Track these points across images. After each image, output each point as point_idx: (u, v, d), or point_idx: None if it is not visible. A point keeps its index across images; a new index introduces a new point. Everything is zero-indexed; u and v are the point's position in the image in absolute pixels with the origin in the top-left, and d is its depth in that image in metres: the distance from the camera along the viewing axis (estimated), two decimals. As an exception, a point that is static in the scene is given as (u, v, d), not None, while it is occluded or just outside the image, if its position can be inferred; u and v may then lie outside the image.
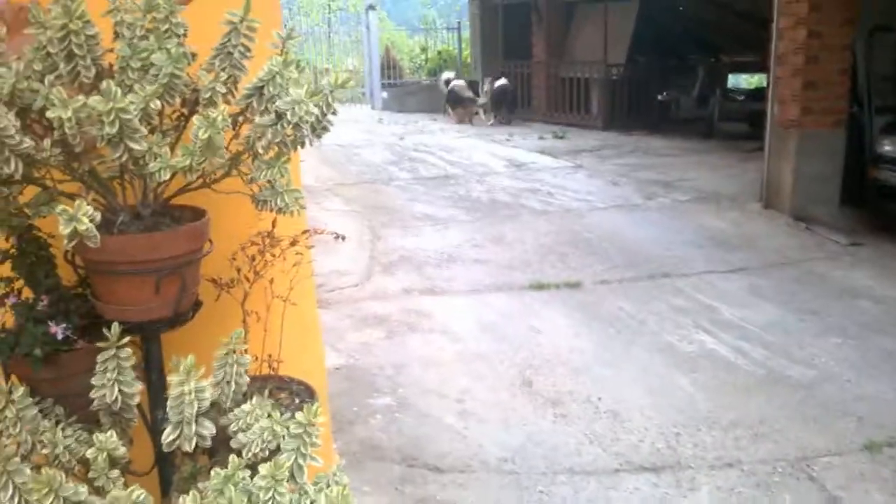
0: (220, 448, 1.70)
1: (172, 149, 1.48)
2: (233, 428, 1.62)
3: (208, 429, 1.56)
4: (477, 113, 14.39)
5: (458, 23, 18.80)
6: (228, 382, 1.64)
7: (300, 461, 1.52)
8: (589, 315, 4.70)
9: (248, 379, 1.70)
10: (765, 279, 5.37)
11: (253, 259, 1.88)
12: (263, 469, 1.44)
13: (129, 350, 1.51)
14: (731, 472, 3.03)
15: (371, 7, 17.01)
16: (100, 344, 1.49)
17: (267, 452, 1.61)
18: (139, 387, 1.55)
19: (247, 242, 1.90)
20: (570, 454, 3.16)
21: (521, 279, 5.34)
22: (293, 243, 1.92)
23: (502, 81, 14.13)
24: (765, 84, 8.98)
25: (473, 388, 3.75)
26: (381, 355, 4.14)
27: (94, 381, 1.50)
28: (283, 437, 1.58)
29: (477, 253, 5.95)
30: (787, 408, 3.55)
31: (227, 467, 1.46)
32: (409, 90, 17.62)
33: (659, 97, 14.23)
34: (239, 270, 1.90)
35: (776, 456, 3.14)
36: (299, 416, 1.57)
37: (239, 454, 1.59)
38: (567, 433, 3.33)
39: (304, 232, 1.96)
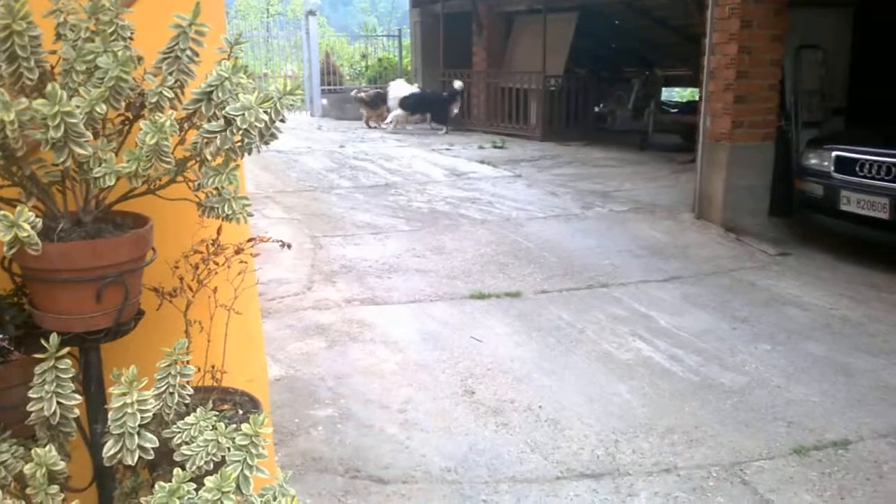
0: (162, 461, 1.67)
1: (117, 154, 1.45)
2: (176, 441, 1.59)
3: (151, 442, 1.52)
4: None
5: (399, 30, 18.84)
6: (171, 394, 1.61)
7: (246, 473, 1.50)
8: (529, 324, 4.75)
9: (191, 390, 1.67)
10: (698, 288, 5.52)
11: (196, 267, 1.85)
12: (209, 482, 1.42)
13: (68, 361, 1.46)
14: (668, 477, 3.10)
15: (311, 12, 16.88)
16: (37, 355, 1.44)
17: (212, 465, 1.58)
18: (78, 399, 1.50)
19: (190, 251, 1.87)
20: (513, 463, 3.18)
21: (462, 289, 5.36)
22: (238, 251, 1.90)
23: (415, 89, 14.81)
24: (697, 97, 9.27)
25: (416, 398, 3.74)
26: (323, 365, 4.10)
27: (31, 393, 1.45)
28: (229, 448, 1.56)
29: (418, 263, 5.95)
30: (720, 413, 3.65)
31: (170, 481, 1.43)
32: (349, 97, 17.53)
33: (596, 109, 14.52)
34: (182, 279, 1.86)
35: (711, 461, 3.22)
36: (245, 427, 1.55)
37: (183, 467, 1.55)
38: (509, 442, 3.35)
39: (250, 240, 1.94)
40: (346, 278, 5.54)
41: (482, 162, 10.65)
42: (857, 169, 6.14)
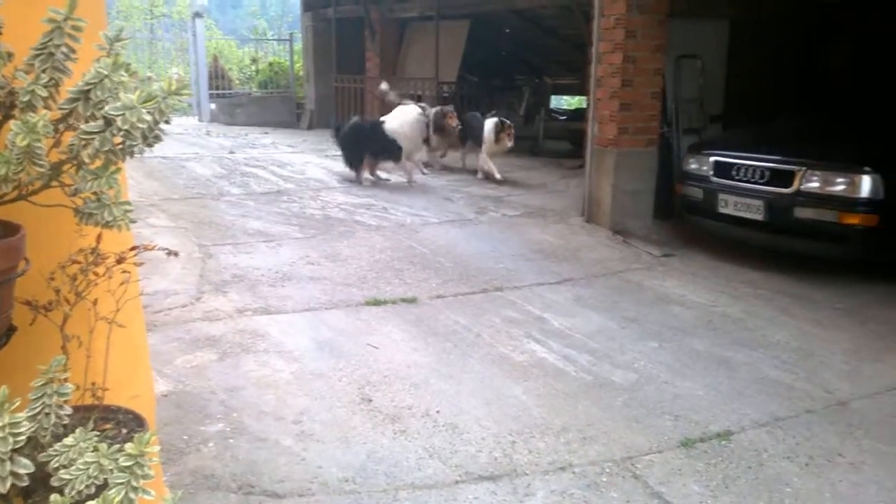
0: (38, 488, 1.55)
1: (-18, 157, 1.34)
2: (53, 464, 1.48)
3: (25, 467, 1.41)
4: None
5: (291, 34, 18.52)
6: (47, 415, 1.50)
7: (131, 495, 1.42)
8: (425, 330, 4.75)
9: (69, 410, 1.56)
10: (589, 289, 5.68)
11: (74, 279, 1.74)
12: (91, 507, 1.33)
13: (-70, 382, 1.34)
14: (563, 475, 3.16)
15: (198, 14, 16.36)
16: None
17: (93, 489, 1.48)
18: (-58, 424, 1.38)
19: (67, 261, 1.76)
20: (411, 469, 3.16)
21: (358, 296, 5.31)
22: (120, 261, 1.80)
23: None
24: (585, 105, 9.57)
25: (312, 408, 3.67)
26: (214, 379, 3.95)
27: None
28: (112, 470, 1.47)
29: (312, 270, 5.85)
30: (611, 410, 3.76)
31: (47, 508, 1.34)
32: (238, 102, 17.10)
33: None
34: (58, 291, 1.75)
35: (604, 457, 3.31)
36: (129, 446, 1.47)
37: (61, 492, 1.45)
38: (407, 448, 3.33)
39: (132, 248, 1.84)
40: (238, 288, 5.38)
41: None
42: (734, 173, 6.49)
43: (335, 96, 15.34)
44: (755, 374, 4.25)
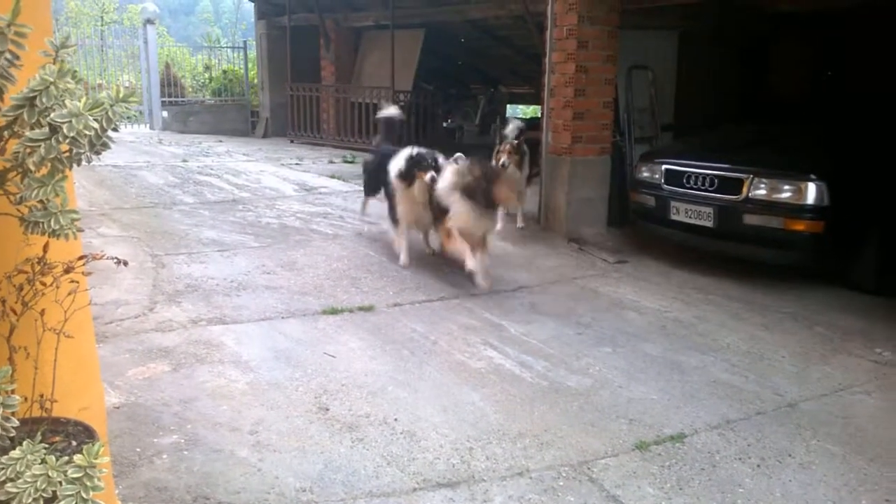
0: (-16, 502, 1.52)
1: (-78, 165, 1.31)
2: (0, 478, 1.45)
3: (-32, 481, 1.38)
4: None
5: (245, 42, 18.36)
6: (-8, 427, 1.47)
7: (81, 508, 1.40)
8: (383, 338, 4.74)
9: (16, 422, 1.53)
10: (544, 296, 5.73)
11: (21, 288, 1.70)
12: (38, 521, 1.31)
13: None
14: (521, 480, 3.18)
15: (149, 21, 16.12)
16: None
17: (41, 502, 1.46)
18: None
19: (13, 271, 1.72)
20: (369, 478, 3.15)
21: (315, 305, 5.27)
22: (68, 270, 1.77)
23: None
24: (539, 115, 9.67)
25: (267, 419, 3.63)
26: (167, 390, 3.89)
27: None
28: (61, 483, 1.44)
29: (268, 280, 5.80)
30: (567, 415, 3.80)
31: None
32: (192, 110, 16.89)
33: (444, 124, 14.83)
34: (4, 302, 1.71)
35: (560, 461, 3.34)
36: (78, 458, 1.45)
37: (6, 507, 1.42)
38: (365, 457, 3.32)
39: (81, 258, 1.81)
40: (192, 298, 5.30)
41: (333, 177, 10.56)
42: (685, 181, 6.62)
43: (290, 104, 15.24)
44: (707, 377, 4.34)
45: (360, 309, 5.21)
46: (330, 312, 5.11)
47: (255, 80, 17.20)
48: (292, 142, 15.02)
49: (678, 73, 8.82)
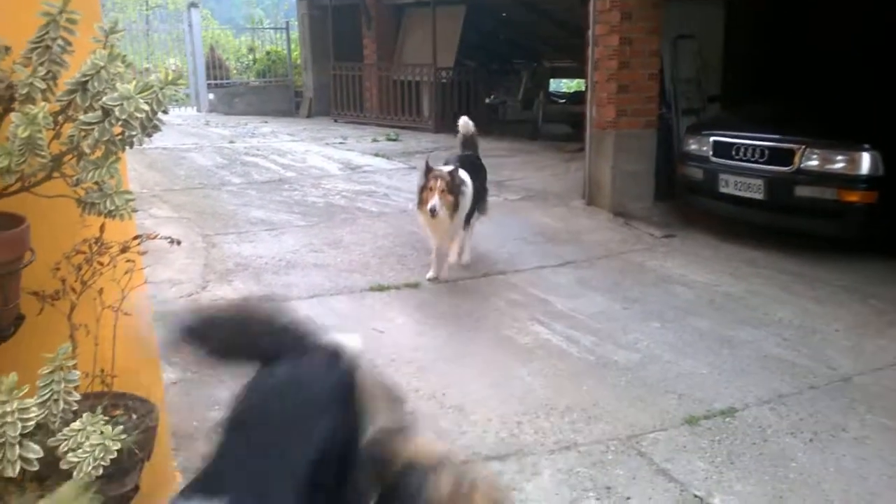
0: (51, 473, 1.58)
1: (-15, 150, 1.36)
2: (62, 448, 1.51)
3: (34, 452, 1.44)
4: None
5: (287, 23, 18.45)
6: (56, 401, 1.53)
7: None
8: (430, 314, 4.78)
9: (78, 396, 1.59)
10: (591, 271, 5.70)
11: (80, 268, 1.76)
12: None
13: (-58, 372, 1.37)
14: (569, 453, 3.19)
15: (193, 4, 16.32)
16: None
17: (100, 470, 1.51)
18: (-43, 412, 1.40)
19: (72, 251, 1.78)
20: (418, 451, 3.19)
21: (362, 282, 5.33)
22: (124, 250, 1.82)
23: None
24: (583, 88, 9.54)
25: (318, 393, 3.69)
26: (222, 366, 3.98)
27: None
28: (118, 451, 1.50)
29: (315, 258, 5.88)
30: (615, 390, 3.79)
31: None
32: (237, 91, 17.09)
33: (487, 100, 14.72)
34: (64, 281, 1.77)
35: (609, 436, 3.34)
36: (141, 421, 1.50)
37: (70, 476, 1.48)
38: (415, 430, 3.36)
39: (136, 237, 1.86)
40: (242, 276, 5.40)
41: (377, 155, 10.60)
42: (734, 153, 6.48)
43: (333, 84, 15.30)
44: (758, 351, 4.27)
45: (407, 285, 5.25)
46: (377, 289, 5.16)
47: (298, 61, 17.29)
48: (336, 121, 15.10)
49: (725, 41, 8.59)
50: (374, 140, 12.15)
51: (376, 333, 4.43)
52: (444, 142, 12.11)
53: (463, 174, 5.32)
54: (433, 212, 4.96)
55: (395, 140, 12.22)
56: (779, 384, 3.85)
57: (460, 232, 5.47)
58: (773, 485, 2.94)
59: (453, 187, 5.05)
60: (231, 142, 11.60)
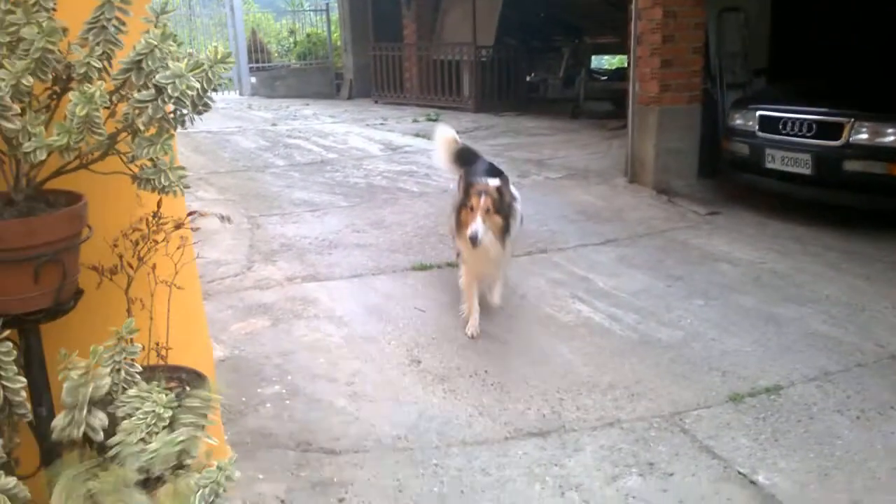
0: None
1: (46, 128, 1.41)
2: (119, 414, 1.57)
3: (100, 420, 1.50)
4: None
5: (327, 4, 18.52)
6: (118, 371, 1.59)
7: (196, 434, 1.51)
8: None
9: (139, 368, 1.65)
10: (633, 249, 5.66)
11: (136, 244, 1.82)
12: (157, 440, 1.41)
13: (9, 344, 1.43)
14: (611, 430, 3.20)
15: (234, -12, 16.47)
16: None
17: (152, 437, 1.57)
18: (23, 382, 1.47)
19: (128, 228, 1.84)
20: (462, 427, 3.23)
21: (404, 261, 5.38)
22: (178, 226, 1.87)
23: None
24: (625, 65, 9.41)
25: (363, 371, 3.76)
26: (267, 344, 4.07)
27: (-27, 378, 1.42)
28: (173, 419, 1.55)
29: (358, 238, 5.94)
30: (658, 367, 3.77)
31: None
32: (278, 74, 17.24)
33: (527, 78, 14.62)
34: (121, 256, 1.83)
35: (652, 413, 3.34)
36: (196, 392, 1.56)
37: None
38: (457, 407, 3.40)
39: (190, 213, 1.92)
40: (287, 256, 5.49)
41: (417, 135, 10.62)
42: (781, 127, 6.36)
43: (373, 65, 15.33)
44: (804, 329, 4.21)
45: (449, 265, 5.27)
46: (419, 268, 5.20)
47: (339, 42, 17.36)
48: (376, 102, 15.16)
49: (773, 14, 8.39)
50: (415, 121, 12.17)
51: (418, 312, 4.48)
52: (484, 121, 12.10)
53: (513, 188, 4.35)
54: (474, 240, 3.86)
55: (435, 120, 12.21)
56: (825, 361, 3.80)
57: (509, 263, 4.48)
58: (818, 462, 2.92)
59: (501, 206, 4.01)
60: (273, 124, 11.73)
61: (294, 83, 16.83)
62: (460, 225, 4.08)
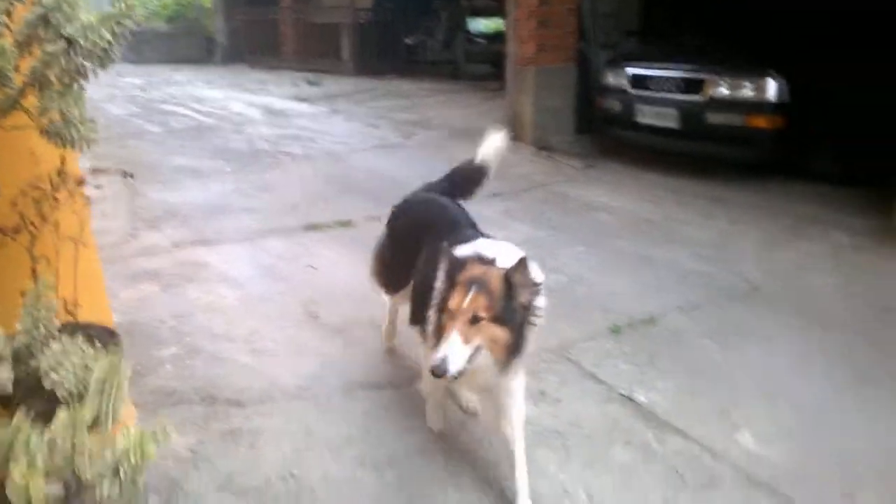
0: (33, 395, 1.67)
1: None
2: (44, 366, 1.60)
3: (6, 371, 1.53)
4: None
5: (195, -34, 17.77)
6: (37, 328, 1.61)
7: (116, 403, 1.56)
8: (363, 250, 4.80)
9: (58, 323, 1.68)
10: (517, 202, 5.91)
11: (39, 202, 1.82)
12: (63, 413, 1.46)
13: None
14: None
15: (92, -53, 15.52)
16: None
17: (83, 388, 1.61)
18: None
19: (27, 186, 1.83)
20: (364, 372, 3.35)
21: (293, 223, 5.40)
22: (80, 182, 1.88)
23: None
24: (503, 28, 9.63)
25: (261, 329, 3.80)
26: (160, 308, 4.03)
27: None
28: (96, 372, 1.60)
29: (245, 202, 5.90)
30: (545, 310, 4.01)
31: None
32: (145, 38, 16.47)
33: (407, 41, 14.64)
34: (23, 215, 1.83)
35: (541, 347, 3.56)
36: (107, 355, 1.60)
37: (53, 395, 1.58)
38: (356, 355, 3.52)
39: (95, 170, 1.93)
40: (172, 223, 5.39)
41: (298, 99, 10.52)
42: (650, 84, 6.75)
43: (245, 28, 14.93)
44: (677, 268, 4.58)
45: (339, 224, 5.35)
46: (309, 229, 5.24)
47: (209, 5, 16.74)
48: (252, 67, 14.81)
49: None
50: (294, 85, 12.01)
51: (311, 270, 4.54)
52: (365, 84, 12.09)
53: (535, 267, 2.48)
54: (444, 371, 2.12)
55: (315, 84, 12.10)
56: (695, 296, 4.16)
57: (520, 389, 2.69)
58: (690, 381, 3.24)
59: (508, 309, 2.31)
60: (143, 90, 11.28)
61: (163, 47, 16.15)
62: (430, 334, 2.45)
